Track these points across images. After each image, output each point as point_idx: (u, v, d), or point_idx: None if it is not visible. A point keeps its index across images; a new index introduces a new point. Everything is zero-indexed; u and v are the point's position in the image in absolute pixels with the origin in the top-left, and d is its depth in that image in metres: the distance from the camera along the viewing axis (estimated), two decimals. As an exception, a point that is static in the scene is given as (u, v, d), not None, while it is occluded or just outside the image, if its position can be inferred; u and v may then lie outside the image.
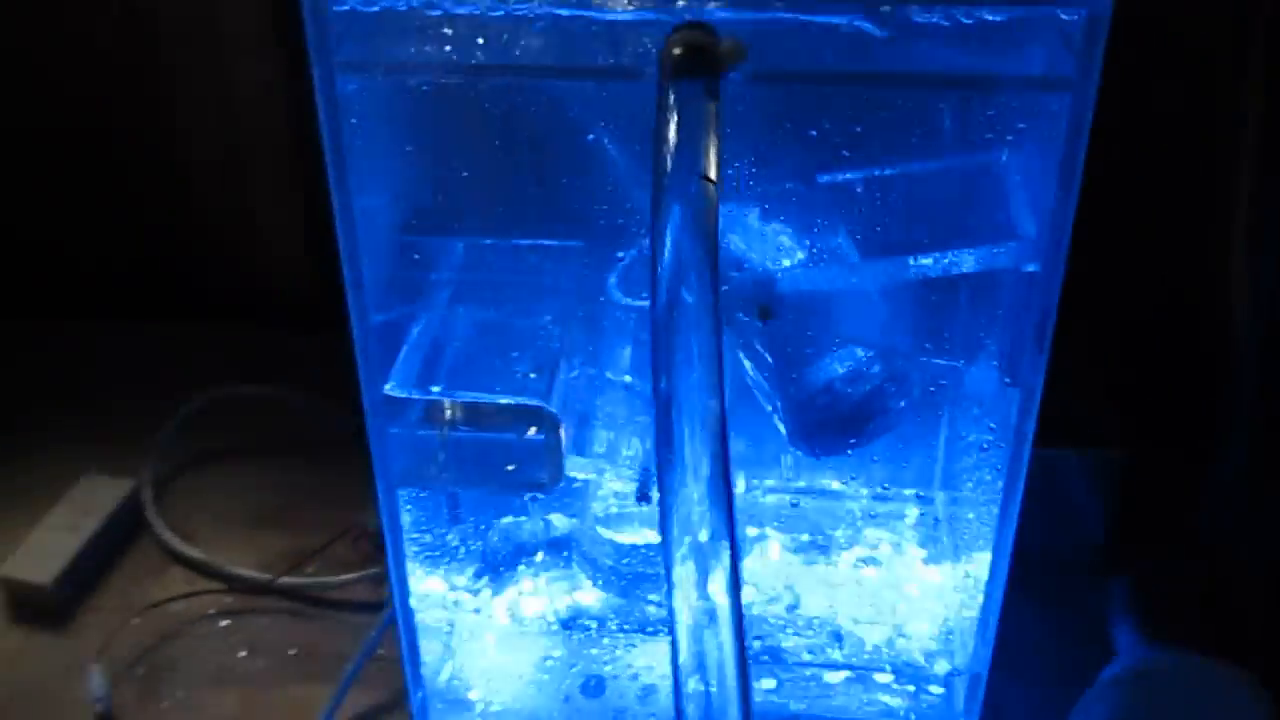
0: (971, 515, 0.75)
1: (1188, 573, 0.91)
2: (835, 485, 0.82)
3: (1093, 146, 0.56)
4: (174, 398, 1.06)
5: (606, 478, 0.78)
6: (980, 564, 0.71)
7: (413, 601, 0.75)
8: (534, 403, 0.66)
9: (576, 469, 0.77)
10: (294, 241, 1.16)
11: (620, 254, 0.68)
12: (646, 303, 0.61)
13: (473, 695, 0.79)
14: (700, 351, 0.48)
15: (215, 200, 1.17)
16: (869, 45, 0.56)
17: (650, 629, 0.80)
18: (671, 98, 0.51)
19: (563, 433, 0.67)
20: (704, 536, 0.48)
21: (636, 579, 0.81)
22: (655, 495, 0.79)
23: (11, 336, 1.19)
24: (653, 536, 0.80)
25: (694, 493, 0.48)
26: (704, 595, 0.48)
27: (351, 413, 0.68)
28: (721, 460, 0.48)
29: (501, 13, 0.57)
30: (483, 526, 0.80)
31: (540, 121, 0.63)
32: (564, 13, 0.57)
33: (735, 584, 0.48)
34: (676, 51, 0.52)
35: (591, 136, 0.63)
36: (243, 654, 0.90)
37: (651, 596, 0.80)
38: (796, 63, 0.57)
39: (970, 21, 0.55)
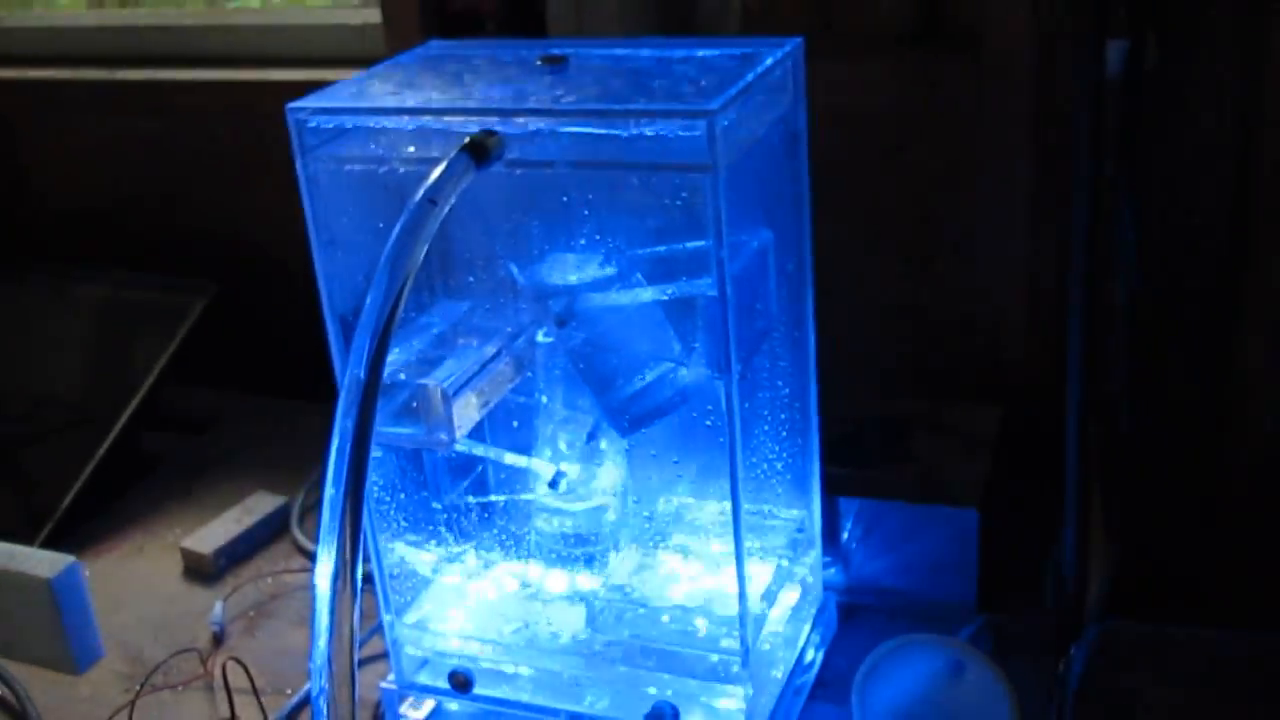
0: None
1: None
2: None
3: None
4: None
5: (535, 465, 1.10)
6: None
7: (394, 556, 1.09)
8: (424, 381, 0.99)
9: (520, 462, 1.10)
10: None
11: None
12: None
13: (434, 625, 1.11)
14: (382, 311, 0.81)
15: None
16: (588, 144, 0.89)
17: (565, 596, 1.10)
18: (449, 160, 0.86)
19: (454, 405, 0.99)
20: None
21: (563, 556, 1.12)
22: (562, 485, 1.11)
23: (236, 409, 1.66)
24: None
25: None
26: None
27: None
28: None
29: (408, 125, 0.95)
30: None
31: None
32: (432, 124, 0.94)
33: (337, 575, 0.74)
34: (466, 140, 0.88)
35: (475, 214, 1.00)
36: (320, 610, 1.27)
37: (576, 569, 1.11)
38: (540, 155, 0.91)
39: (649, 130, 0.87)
